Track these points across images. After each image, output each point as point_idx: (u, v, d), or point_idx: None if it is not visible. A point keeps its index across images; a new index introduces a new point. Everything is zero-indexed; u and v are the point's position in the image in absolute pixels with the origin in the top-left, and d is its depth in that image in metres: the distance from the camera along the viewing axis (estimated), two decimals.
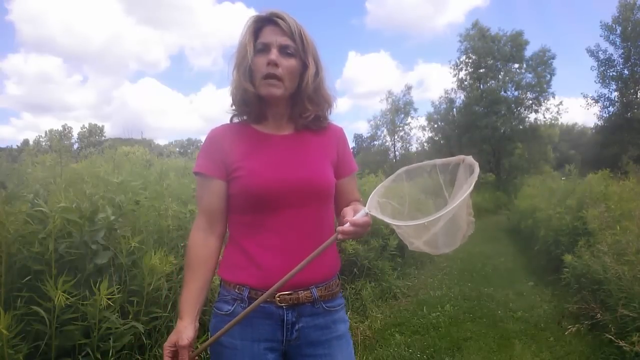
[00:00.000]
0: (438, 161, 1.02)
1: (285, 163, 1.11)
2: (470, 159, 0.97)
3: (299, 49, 1.09)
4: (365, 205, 1.01)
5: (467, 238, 0.98)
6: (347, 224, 0.95)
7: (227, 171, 1.11)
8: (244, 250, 1.10)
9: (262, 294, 1.05)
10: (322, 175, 1.13)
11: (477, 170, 0.92)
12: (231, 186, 1.11)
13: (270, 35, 1.08)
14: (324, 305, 1.11)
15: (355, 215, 0.96)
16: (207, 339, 1.10)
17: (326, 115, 1.20)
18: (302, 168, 1.11)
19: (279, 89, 1.08)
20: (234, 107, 1.18)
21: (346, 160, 1.24)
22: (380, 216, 0.95)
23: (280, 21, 1.07)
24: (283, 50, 1.07)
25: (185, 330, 1.02)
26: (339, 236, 0.96)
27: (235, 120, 1.20)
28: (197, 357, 1.05)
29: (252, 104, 1.12)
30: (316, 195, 1.11)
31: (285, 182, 1.08)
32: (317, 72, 1.13)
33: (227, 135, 1.14)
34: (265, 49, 1.07)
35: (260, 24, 1.10)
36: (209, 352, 1.07)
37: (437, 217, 0.89)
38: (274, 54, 1.06)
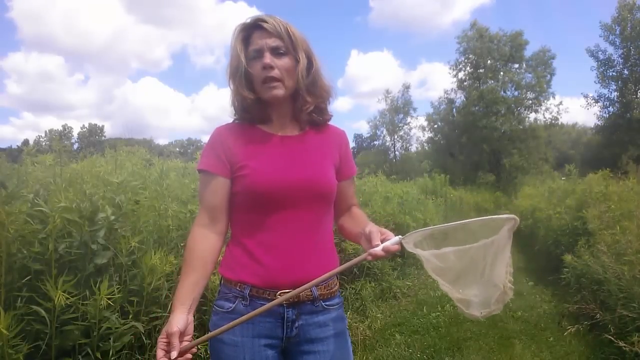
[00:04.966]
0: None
1: (290, 163, 1.12)
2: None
3: (289, 46, 1.10)
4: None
5: (502, 305, 0.94)
6: (380, 249, 0.96)
7: (232, 169, 1.11)
8: (245, 248, 1.10)
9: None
10: (325, 176, 1.15)
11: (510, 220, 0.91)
12: (235, 184, 1.12)
13: (259, 40, 1.10)
14: (323, 304, 1.13)
15: (387, 240, 0.97)
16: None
17: (327, 105, 1.21)
18: (306, 169, 1.13)
19: (280, 90, 1.10)
20: (236, 116, 1.20)
21: (347, 162, 1.26)
22: (413, 250, 0.95)
23: (265, 24, 1.09)
24: (275, 51, 1.09)
25: (174, 320, 1.00)
26: (369, 257, 0.97)
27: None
28: (196, 354, 1.04)
29: (252, 109, 1.14)
30: (319, 196, 1.13)
31: (289, 182, 1.09)
32: (311, 65, 1.15)
33: (232, 134, 1.15)
34: (258, 54, 1.10)
35: (248, 32, 1.12)
36: (208, 352, 1.07)
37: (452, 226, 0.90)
38: (267, 58, 1.08)
